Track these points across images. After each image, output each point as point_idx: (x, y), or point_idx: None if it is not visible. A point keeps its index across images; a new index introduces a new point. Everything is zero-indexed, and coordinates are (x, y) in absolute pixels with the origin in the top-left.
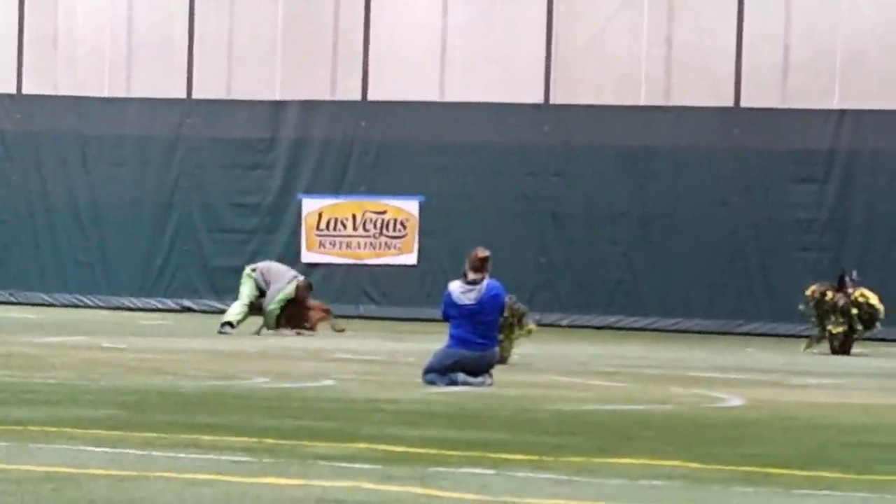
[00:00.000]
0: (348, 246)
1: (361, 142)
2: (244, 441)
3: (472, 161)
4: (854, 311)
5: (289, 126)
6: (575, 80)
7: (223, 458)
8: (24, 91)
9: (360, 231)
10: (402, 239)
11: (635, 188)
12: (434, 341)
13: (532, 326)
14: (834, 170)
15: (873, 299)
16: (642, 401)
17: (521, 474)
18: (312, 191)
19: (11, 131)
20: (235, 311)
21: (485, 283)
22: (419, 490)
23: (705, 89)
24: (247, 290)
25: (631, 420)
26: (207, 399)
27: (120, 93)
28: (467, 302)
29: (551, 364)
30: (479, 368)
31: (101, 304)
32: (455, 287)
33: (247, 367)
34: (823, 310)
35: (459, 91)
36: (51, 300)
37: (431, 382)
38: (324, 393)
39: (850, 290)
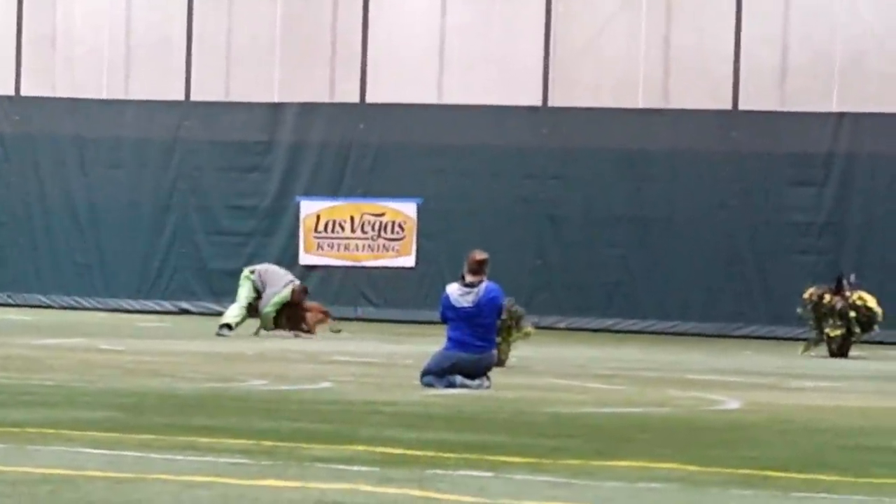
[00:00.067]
0: (346, 248)
1: (359, 144)
2: (242, 443)
3: (470, 163)
4: (852, 314)
5: (287, 128)
6: (573, 83)
7: (221, 460)
8: (23, 93)
9: (359, 233)
10: (401, 241)
11: (633, 191)
12: (432, 343)
13: (530, 329)
14: (832, 173)
15: (871, 302)
16: (640, 403)
17: (518, 477)
18: (310, 193)
19: (10, 133)
20: (233, 313)
21: (483, 285)
22: (417, 492)
23: (703, 92)
24: (244, 293)
25: (629, 423)
26: (205, 401)
27: (118, 94)
28: (465, 304)
29: (549, 367)
30: (476, 371)
31: (98, 305)
32: (453, 289)
33: (244, 369)
34: (821, 313)
35: (457, 93)
36: (48, 302)
37: (429, 385)
38: (322, 395)
39: (847, 293)
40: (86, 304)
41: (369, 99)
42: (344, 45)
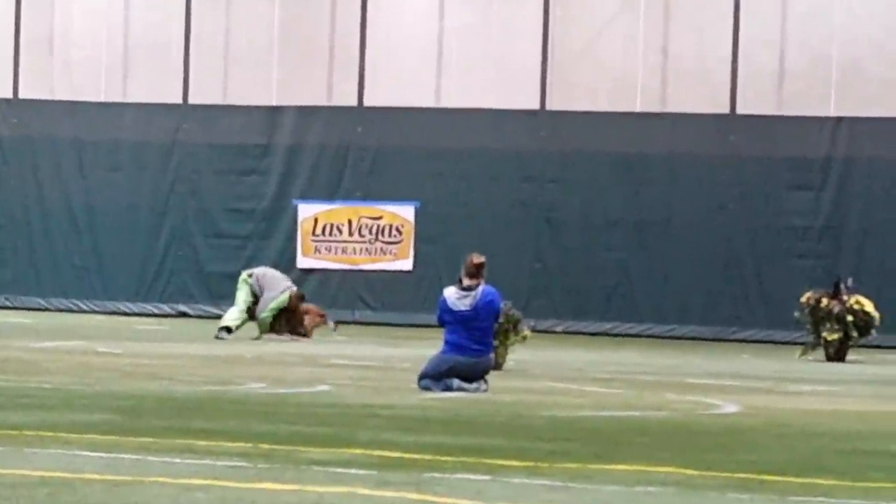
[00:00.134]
0: (344, 251)
1: (357, 147)
2: (240, 446)
3: (468, 167)
4: (849, 318)
5: (285, 131)
6: (571, 86)
7: (219, 463)
8: (21, 95)
9: (356, 236)
10: (398, 244)
11: (631, 195)
12: (430, 347)
13: (527, 332)
14: (830, 177)
15: (868, 306)
16: (638, 407)
17: (516, 480)
18: (308, 196)
19: (8, 136)
20: (233, 316)
21: (480, 289)
22: (414, 496)
23: (701, 96)
24: (242, 296)
25: (626, 426)
26: (203, 404)
27: (116, 96)
28: (462, 308)
29: (546, 370)
30: (474, 374)
31: (96, 308)
32: (450, 293)
33: (242, 372)
34: (818, 317)
35: (455, 97)
36: (46, 305)
37: (427, 388)
38: (319, 398)
39: (845, 298)
40: (84, 306)
41: (367, 102)
42: (342, 48)
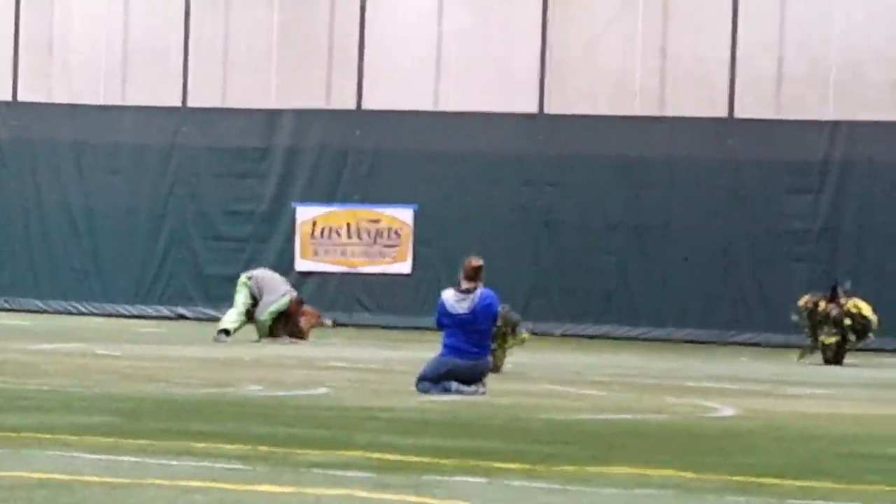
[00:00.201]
0: (342, 254)
1: (356, 150)
2: (238, 448)
3: (467, 170)
4: (847, 321)
5: (283, 134)
6: (570, 90)
7: (217, 465)
8: (20, 98)
9: (355, 239)
10: (397, 247)
11: (629, 198)
12: (428, 350)
13: (525, 335)
14: (828, 180)
15: (866, 310)
16: (636, 410)
17: (514, 483)
18: (307, 199)
19: (7, 139)
20: (231, 318)
21: (478, 292)
22: (413, 498)
23: (700, 100)
24: (241, 299)
25: (624, 429)
26: (201, 406)
27: (115, 100)
28: (460, 311)
29: (545, 373)
30: (472, 377)
31: (95, 311)
32: (448, 296)
33: (241, 374)
34: (816, 320)
35: (454, 100)
36: (45, 307)
37: (425, 391)
38: (318, 401)
39: (842, 301)
40: (83, 309)
41: (366, 105)
42: (340, 51)
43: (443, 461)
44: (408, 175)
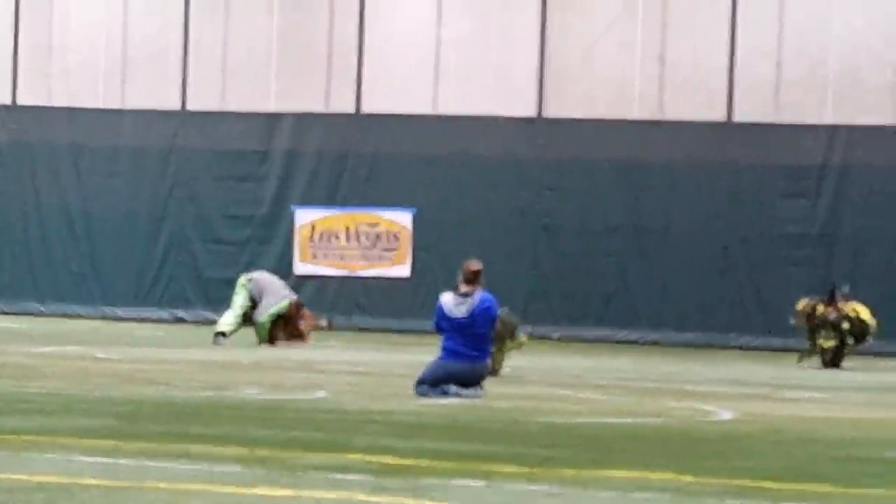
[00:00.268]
0: (341, 258)
1: (355, 154)
2: (237, 451)
3: (466, 174)
4: (845, 325)
5: (283, 138)
6: (568, 94)
7: (216, 468)
8: (19, 102)
9: (353, 243)
10: (396, 251)
11: (628, 202)
12: (427, 353)
13: (524, 339)
14: (826, 185)
15: (864, 314)
16: (634, 413)
17: (512, 486)
18: (306, 202)
19: (6, 142)
20: (228, 321)
21: (477, 295)
22: (411, 501)
23: (698, 104)
24: (240, 301)
25: (623, 433)
26: (200, 409)
27: (114, 103)
28: (459, 315)
29: (543, 376)
30: (470, 380)
31: (94, 314)
32: (447, 299)
33: (240, 377)
34: (814, 324)
35: (453, 104)
36: (44, 310)
37: (424, 394)
38: (317, 404)
39: (840, 305)
40: (82, 312)
41: (365, 109)
42: (340, 55)
43: (441, 464)
44: (407, 179)
